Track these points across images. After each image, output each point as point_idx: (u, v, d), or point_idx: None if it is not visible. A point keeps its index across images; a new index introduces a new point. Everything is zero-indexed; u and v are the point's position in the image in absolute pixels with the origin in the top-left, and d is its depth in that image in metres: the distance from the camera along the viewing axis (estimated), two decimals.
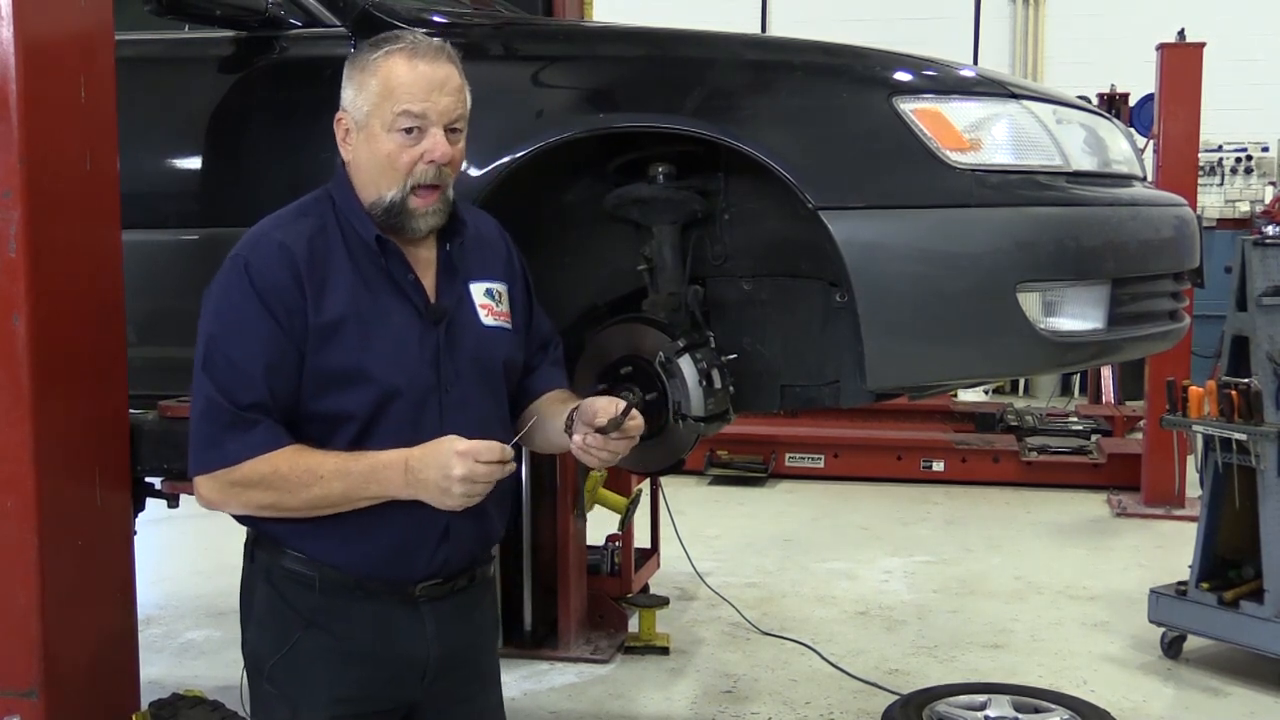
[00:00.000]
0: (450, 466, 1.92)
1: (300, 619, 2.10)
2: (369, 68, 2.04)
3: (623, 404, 2.09)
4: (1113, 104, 8.78)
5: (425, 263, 2.13)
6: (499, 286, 2.22)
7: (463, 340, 2.13)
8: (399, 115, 2.02)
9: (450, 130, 2.05)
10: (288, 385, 2.01)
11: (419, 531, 2.08)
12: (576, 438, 2.09)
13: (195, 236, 3.02)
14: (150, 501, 2.80)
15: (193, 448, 2.03)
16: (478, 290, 2.18)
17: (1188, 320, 2.98)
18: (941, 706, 4.01)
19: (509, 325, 2.21)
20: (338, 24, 2.91)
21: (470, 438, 1.97)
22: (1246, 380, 4.45)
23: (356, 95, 2.05)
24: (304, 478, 1.97)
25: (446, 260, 2.15)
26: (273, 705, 2.14)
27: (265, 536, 2.12)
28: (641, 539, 5.34)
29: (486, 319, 2.17)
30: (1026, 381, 11.34)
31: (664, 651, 4.82)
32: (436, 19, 3.02)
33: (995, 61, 12.23)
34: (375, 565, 2.08)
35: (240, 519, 2.14)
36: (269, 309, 1.99)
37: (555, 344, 2.37)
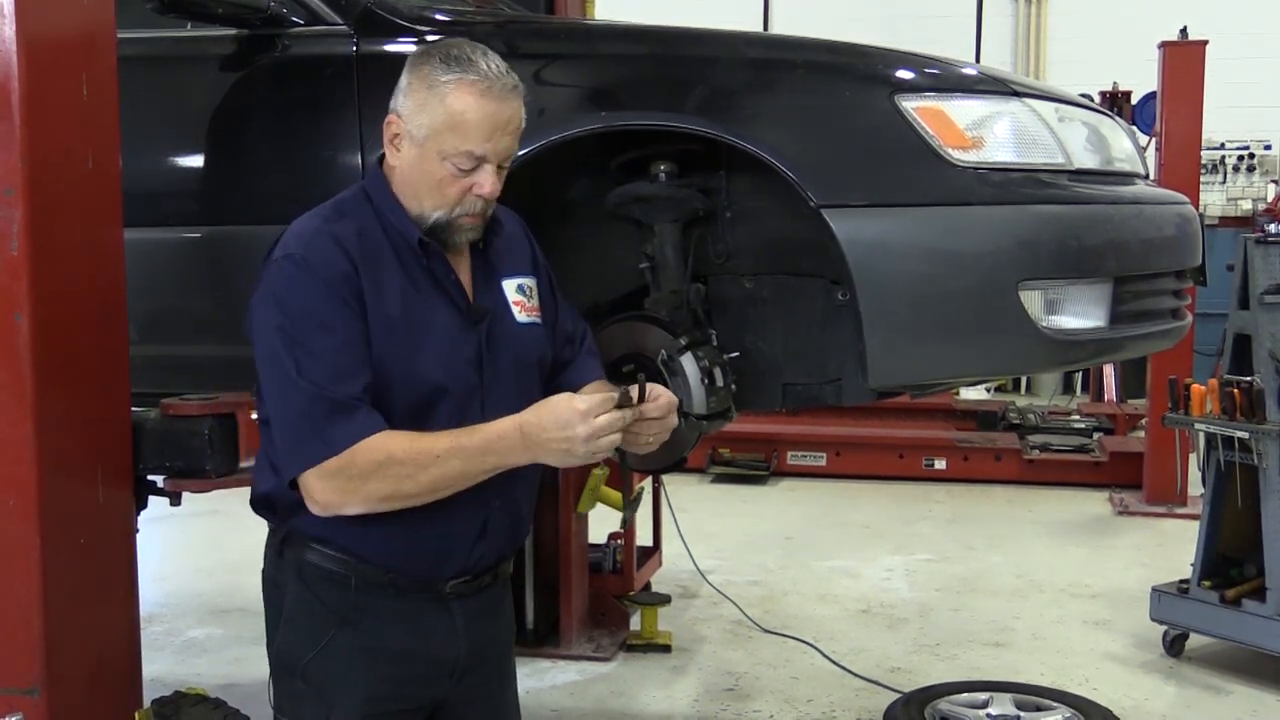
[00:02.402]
0: (573, 426, 1.91)
1: (334, 617, 2.10)
2: (437, 89, 1.99)
3: (654, 388, 2.05)
4: (1115, 102, 8.79)
5: (461, 262, 2.14)
6: (529, 281, 2.22)
7: (501, 339, 2.13)
8: (461, 154, 2.00)
9: (499, 166, 2.05)
10: (370, 366, 1.99)
11: (459, 529, 2.09)
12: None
13: (197, 235, 3.02)
14: (152, 499, 2.80)
15: (291, 447, 1.98)
16: (510, 287, 2.18)
17: (1190, 318, 2.98)
18: (943, 704, 4.01)
19: (540, 320, 2.22)
20: (340, 22, 2.91)
21: None
22: (1248, 378, 4.45)
23: (417, 112, 2.01)
24: (420, 459, 1.94)
25: (482, 259, 2.16)
26: (305, 703, 2.13)
27: (298, 535, 2.11)
28: (643, 537, 5.34)
29: (520, 316, 2.17)
30: (1028, 380, 11.34)
31: (666, 649, 4.82)
32: (439, 17, 3.02)
33: (997, 60, 12.23)
34: (413, 562, 2.09)
35: (273, 520, 2.14)
36: (340, 297, 1.97)
37: (584, 333, 2.36)
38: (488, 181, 2.03)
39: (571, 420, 1.91)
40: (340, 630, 2.10)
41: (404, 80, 2.05)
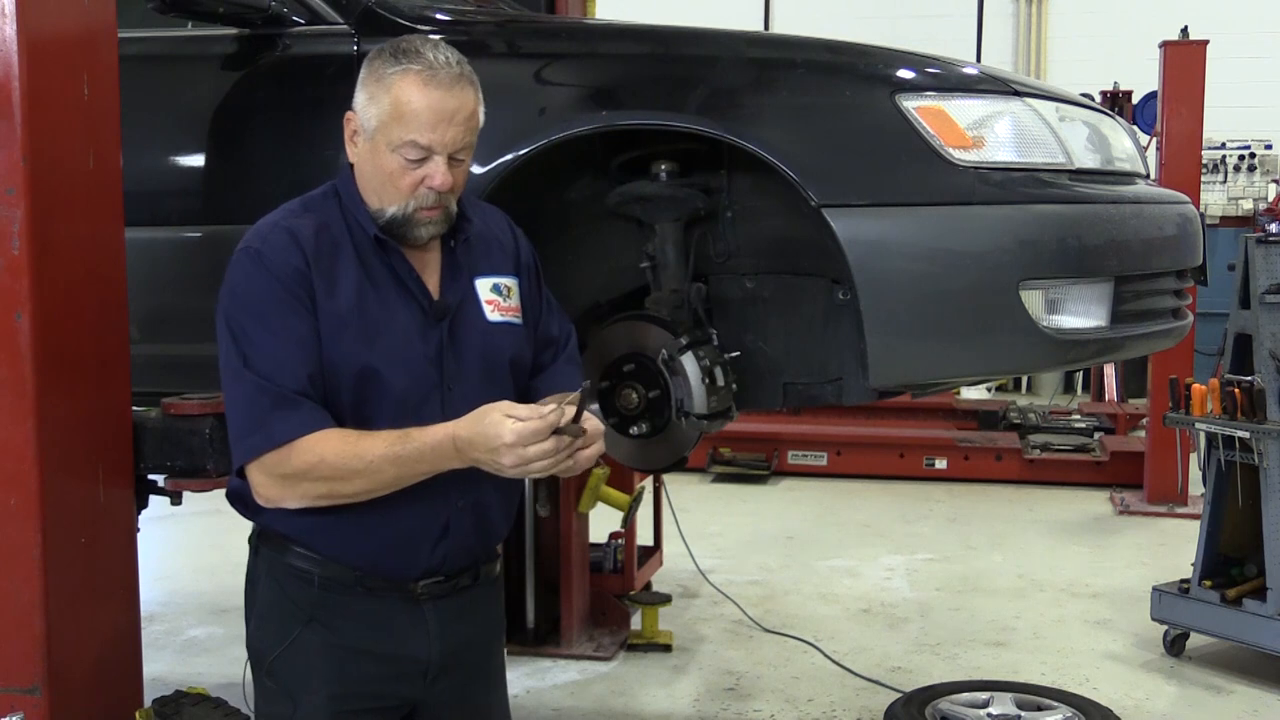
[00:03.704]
0: (499, 455, 1.87)
1: (301, 614, 2.10)
2: (384, 80, 2.00)
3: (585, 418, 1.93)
4: (1116, 102, 8.80)
5: (429, 260, 2.12)
6: (507, 281, 2.19)
7: (467, 337, 2.11)
8: (405, 144, 1.99)
9: (453, 159, 2.03)
10: (317, 361, 1.99)
11: (418, 528, 2.08)
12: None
13: (198, 234, 3.03)
14: (153, 499, 2.80)
15: (236, 438, 2.00)
16: (484, 286, 2.16)
17: (1191, 318, 2.98)
18: (944, 704, 4.00)
19: (518, 320, 2.19)
20: (341, 21, 2.92)
21: None
22: (1249, 378, 4.45)
23: (368, 104, 2.03)
24: (352, 464, 1.94)
25: (450, 257, 2.14)
26: (273, 699, 2.14)
27: (269, 531, 2.12)
28: (644, 536, 5.34)
29: (492, 315, 2.15)
30: (1029, 379, 11.33)
31: (666, 649, 4.82)
32: (440, 16, 3.02)
33: (998, 59, 12.23)
34: (375, 561, 2.08)
35: (246, 512, 2.14)
36: (290, 292, 1.98)
37: (567, 339, 2.32)
38: (438, 173, 2.01)
39: (499, 450, 1.87)
40: (307, 627, 2.09)
41: (360, 77, 2.06)
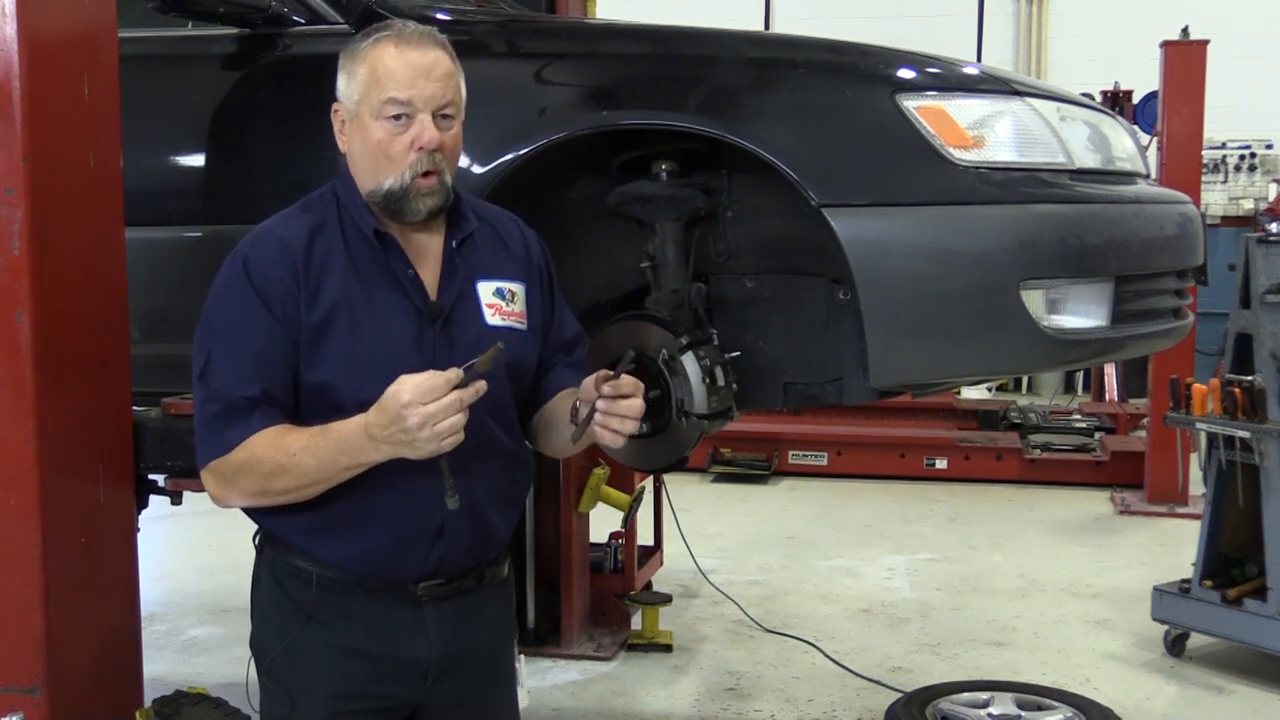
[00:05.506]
0: (404, 420, 1.84)
1: (301, 614, 2.09)
2: (358, 56, 2.04)
3: (621, 377, 1.97)
4: (1116, 101, 8.80)
5: (429, 258, 2.10)
6: (512, 286, 2.16)
7: (462, 340, 2.07)
8: (385, 103, 2.00)
9: (441, 116, 2.03)
10: (283, 377, 2.00)
11: (412, 529, 2.06)
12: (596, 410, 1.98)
13: (198, 234, 3.02)
14: (153, 498, 2.80)
15: (197, 444, 2.02)
16: (486, 289, 2.13)
17: (1191, 318, 2.98)
18: (944, 704, 4.00)
19: (522, 326, 2.16)
20: (341, 21, 2.92)
21: (469, 439, 1.91)
22: (1250, 378, 4.45)
23: (348, 85, 2.05)
24: (278, 458, 1.94)
25: (450, 256, 2.12)
26: (273, 699, 2.14)
27: (267, 531, 2.12)
28: (644, 536, 5.34)
29: (492, 319, 2.12)
30: (1030, 379, 11.35)
31: (667, 649, 4.82)
32: (440, 15, 3.02)
33: (999, 59, 12.24)
34: (370, 563, 2.07)
35: (249, 514, 2.14)
36: (265, 303, 1.98)
37: (581, 345, 2.31)
38: (425, 131, 2.01)
39: (399, 415, 1.84)
40: (306, 627, 2.09)
41: (338, 70, 2.08)
